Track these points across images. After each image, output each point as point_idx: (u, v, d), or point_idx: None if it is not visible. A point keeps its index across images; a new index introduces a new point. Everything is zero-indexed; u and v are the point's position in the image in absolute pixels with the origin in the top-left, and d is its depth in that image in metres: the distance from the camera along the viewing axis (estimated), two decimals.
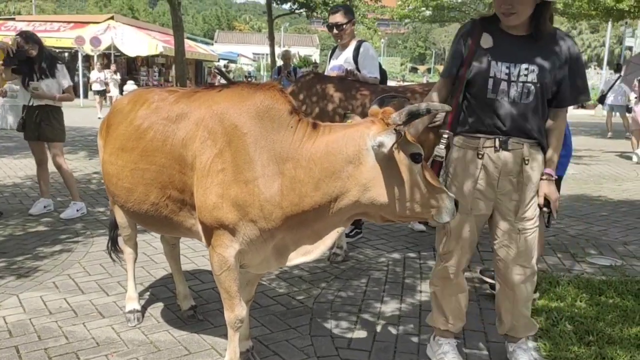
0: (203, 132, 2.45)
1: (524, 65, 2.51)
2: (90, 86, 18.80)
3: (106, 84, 17.52)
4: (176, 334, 3.18)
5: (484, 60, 2.56)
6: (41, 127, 5.56)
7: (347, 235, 4.84)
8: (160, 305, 3.58)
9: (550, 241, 5.09)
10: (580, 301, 3.63)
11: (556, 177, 2.69)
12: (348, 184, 2.19)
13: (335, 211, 2.25)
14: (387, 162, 2.18)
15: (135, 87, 17.27)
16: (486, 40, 2.59)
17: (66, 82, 5.69)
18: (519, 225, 2.65)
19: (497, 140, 2.57)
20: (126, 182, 2.78)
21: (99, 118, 14.93)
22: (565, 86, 2.56)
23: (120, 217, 3.26)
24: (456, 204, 2.29)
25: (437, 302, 2.88)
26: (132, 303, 3.35)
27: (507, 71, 2.52)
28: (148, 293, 3.78)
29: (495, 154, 2.59)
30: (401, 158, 2.19)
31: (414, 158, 2.20)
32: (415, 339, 3.18)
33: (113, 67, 19.15)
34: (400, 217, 2.27)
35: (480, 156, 2.61)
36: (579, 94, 2.61)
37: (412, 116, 2.12)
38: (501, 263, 2.73)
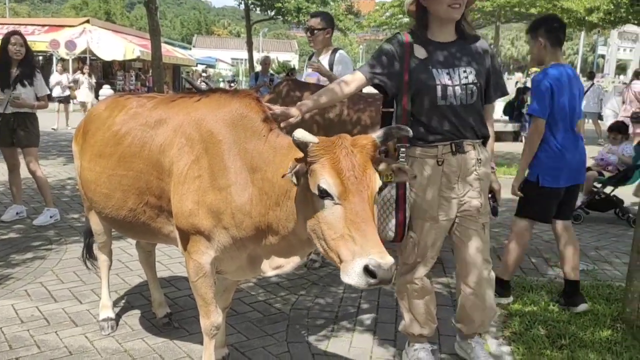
0: (180, 138, 2.45)
1: (462, 68, 2.64)
2: (51, 91, 17.56)
3: (69, 88, 16.08)
4: (151, 342, 3.15)
5: (425, 69, 2.63)
6: (17, 132, 5.48)
7: None
8: (135, 313, 3.54)
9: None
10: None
11: (495, 168, 2.93)
12: (293, 205, 2.13)
13: (293, 229, 2.17)
14: (302, 190, 2.04)
15: (111, 91, 16.82)
16: (419, 52, 2.67)
17: (43, 91, 5.65)
18: (481, 220, 2.76)
19: (452, 144, 2.65)
20: (104, 188, 2.76)
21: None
22: (491, 83, 2.75)
23: (96, 224, 3.22)
24: (373, 274, 1.80)
25: (407, 308, 2.90)
26: (106, 311, 3.31)
27: (449, 76, 2.63)
28: (123, 301, 3.74)
29: (453, 158, 2.66)
30: (311, 190, 1.97)
31: (319, 193, 1.93)
32: (391, 345, 3.20)
33: (87, 69, 17.57)
34: (323, 254, 2.02)
35: (440, 163, 2.66)
36: (500, 90, 2.83)
37: (300, 147, 1.96)
38: (468, 259, 2.78)
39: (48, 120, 14.48)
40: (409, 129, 2.15)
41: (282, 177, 2.00)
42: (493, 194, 2.87)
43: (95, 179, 2.81)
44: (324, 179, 1.91)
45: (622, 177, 6.22)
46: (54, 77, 15.91)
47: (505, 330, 3.34)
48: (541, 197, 3.65)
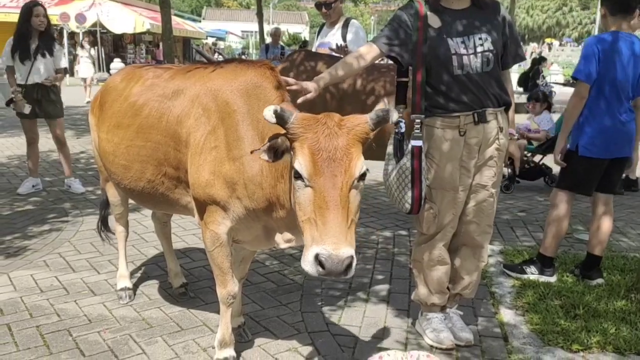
0: (197, 109, 2.44)
1: (477, 36, 2.60)
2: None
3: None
4: (168, 311, 3.20)
5: (440, 39, 2.59)
6: (42, 104, 5.55)
7: None
8: (151, 283, 3.60)
9: (539, 218, 5.15)
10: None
11: (517, 136, 2.81)
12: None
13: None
14: (290, 167, 1.99)
15: (122, 65, 16.66)
16: (434, 20, 2.62)
17: (62, 63, 5.71)
18: (493, 190, 2.77)
19: (475, 114, 2.63)
20: (122, 160, 2.78)
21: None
22: (508, 49, 2.72)
23: (113, 195, 3.25)
24: (322, 265, 1.75)
25: (421, 277, 2.91)
26: (124, 281, 3.36)
27: (464, 45, 2.59)
28: (139, 271, 3.79)
29: (475, 127, 2.64)
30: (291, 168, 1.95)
31: (294, 172, 1.89)
32: (404, 315, 3.22)
33: (86, 41, 16.04)
34: None
35: (462, 133, 2.64)
36: (517, 56, 2.79)
37: (279, 123, 1.91)
38: (472, 226, 2.80)
39: (63, 94, 14.48)
40: (395, 113, 1.98)
41: (251, 152, 1.96)
42: (512, 161, 2.85)
43: (114, 150, 2.83)
44: (298, 158, 1.87)
45: (550, 145, 6.19)
46: None
47: (519, 301, 3.35)
48: (580, 167, 3.52)
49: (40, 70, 5.46)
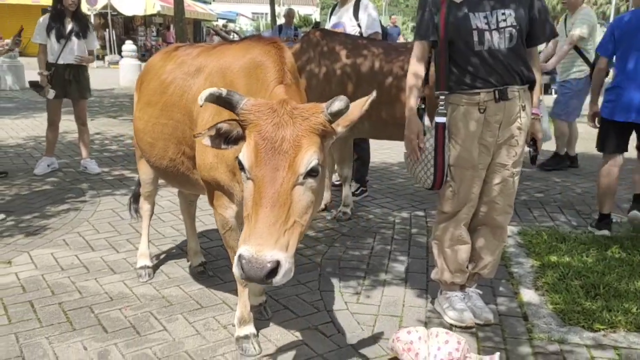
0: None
1: (500, 11, 2.55)
2: None
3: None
4: (187, 289, 3.22)
5: (461, 14, 2.55)
6: (71, 85, 5.60)
7: (353, 194, 4.85)
8: (170, 262, 3.62)
9: (557, 199, 5.10)
10: (587, 257, 3.65)
11: (541, 115, 2.84)
12: None
13: None
14: None
15: (134, 47, 16.57)
16: None
17: (93, 46, 5.81)
18: (514, 169, 2.73)
19: (496, 91, 2.58)
20: (149, 137, 2.79)
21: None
22: (536, 25, 2.65)
23: (144, 173, 3.27)
24: (243, 268, 1.57)
25: (440, 256, 2.90)
26: (144, 259, 3.38)
27: (485, 20, 2.54)
28: (157, 250, 3.81)
29: (496, 105, 2.59)
30: None
31: (238, 162, 1.75)
32: (423, 293, 3.22)
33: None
34: None
35: (482, 110, 2.60)
36: (547, 31, 2.70)
37: (227, 108, 1.77)
38: (493, 205, 2.77)
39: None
40: (338, 102, 1.70)
41: (194, 136, 1.83)
42: (534, 142, 2.80)
43: (143, 127, 2.84)
44: (243, 148, 1.71)
45: None
46: None
47: (539, 281, 3.33)
48: (602, 127, 4.11)
49: (74, 50, 5.53)
